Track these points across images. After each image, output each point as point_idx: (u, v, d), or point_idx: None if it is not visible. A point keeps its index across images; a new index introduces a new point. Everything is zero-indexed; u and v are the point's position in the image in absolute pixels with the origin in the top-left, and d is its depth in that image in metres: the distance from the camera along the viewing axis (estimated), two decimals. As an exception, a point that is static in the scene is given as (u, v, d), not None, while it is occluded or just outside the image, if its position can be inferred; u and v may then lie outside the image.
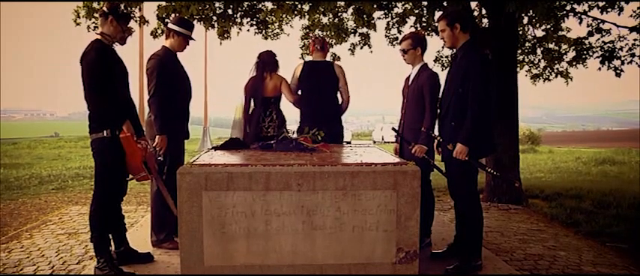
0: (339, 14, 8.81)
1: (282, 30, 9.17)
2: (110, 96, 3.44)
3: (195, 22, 6.91)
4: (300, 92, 5.01)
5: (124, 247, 3.78)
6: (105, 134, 3.42)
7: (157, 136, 3.96)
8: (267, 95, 4.87)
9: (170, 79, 4.06)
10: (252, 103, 4.93)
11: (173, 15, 7.24)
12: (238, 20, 8.17)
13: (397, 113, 4.42)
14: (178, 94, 4.18)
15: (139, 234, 4.68)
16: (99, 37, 3.52)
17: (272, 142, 4.20)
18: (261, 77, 4.86)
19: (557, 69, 9.28)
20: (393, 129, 4.32)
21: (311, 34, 8.73)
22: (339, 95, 5.02)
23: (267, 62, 4.89)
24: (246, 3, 7.98)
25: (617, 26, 7.61)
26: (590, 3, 7.57)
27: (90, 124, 3.49)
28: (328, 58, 5.66)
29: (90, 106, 3.45)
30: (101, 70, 3.38)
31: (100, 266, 3.50)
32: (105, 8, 3.56)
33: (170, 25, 4.21)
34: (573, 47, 8.47)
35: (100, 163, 3.49)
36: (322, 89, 4.92)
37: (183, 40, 4.19)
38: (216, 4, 7.72)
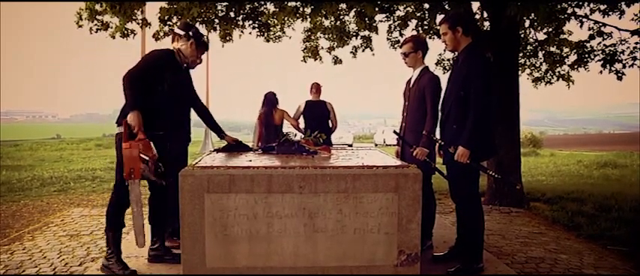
0: (341, 17, 8.83)
1: (284, 33, 9.19)
2: (142, 96, 3.50)
3: (197, 24, 6.93)
4: (302, 120, 7.08)
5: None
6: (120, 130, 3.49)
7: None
8: (276, 124, 6.93)
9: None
10: (263, 131, 6.89)
11: (175, 18, 7.28)
12: (240, 23, 8.19)
13: (399, 116, 4.43)
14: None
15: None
16: (174, 50, 3.76)
17: (274, 144, 4.22)
18: (271, 112, 7.01)
19: (559, 72, 9.29)
20: (395, 132, 4.34)
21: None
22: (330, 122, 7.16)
23: (272, 100, 7.10)
24: (248, 5, 8.00)
25: (619, 29, 7.62)
26: (591, 6, 7.58)
27: (118, 117, 3.58)
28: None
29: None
30: (148, 69, 3.55)
31: (107, 257, 3.58)
32: (190, 32, 3.80)
33: (176, 30, 4.17)
34: (575, 50, 8.48)
35: (117, 157, 3.54)
36: (318, 120, 6.96)
37: (200, 52, 4.14)
38: (219, 7, 7.75)
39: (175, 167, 3.47)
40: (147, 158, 3.40)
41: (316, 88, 7.21)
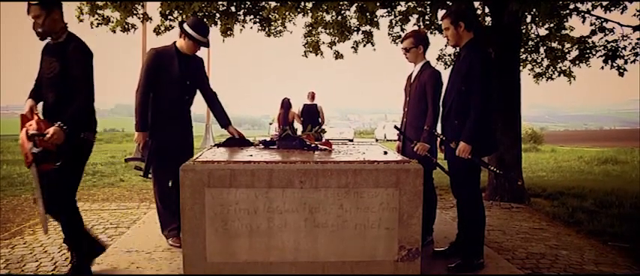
0: (343, 12, 8.80)
1: (285, 27, 9.16)
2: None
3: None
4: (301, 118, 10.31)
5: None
6: None
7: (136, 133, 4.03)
8: (289, 122, 10.15)
9: (164, 77, 4.04)
10: (280, 125, 9.72)
11: (176, 13, 7.25)
12: (241, 18, 8.17)
13: (400, 111, 4.42)
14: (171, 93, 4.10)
15: (142, 230, 4.70)
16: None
17: (275, 139, 4.22)
18: (286, 113, 10.37)
19: (560, 68, 9.24)
20: (395, 127, 4.32)
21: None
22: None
23: (288, 105, 10.48)
24: (249, 0, 7.98)
25: (621, 25, 7.59)
26: (593, 2, 7.55)
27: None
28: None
29: None
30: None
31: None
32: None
33: (184, 26, 4.08)
34: (576, 46, 8.45)
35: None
36: (311, 118, 9.91)
37: (194, 44, 4.09)
38: (220, 2, 7.73)
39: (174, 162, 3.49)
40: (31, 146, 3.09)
41: (312, 95, 10.51)
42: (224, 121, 4.38)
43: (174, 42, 4.14)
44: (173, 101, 4.10)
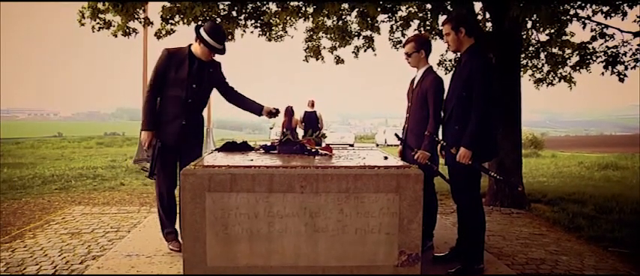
0: (343, 17, 8.83)
1: (286, 32, 9.19)
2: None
3: (199, 23, 6.92)
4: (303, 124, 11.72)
5: None
6: None
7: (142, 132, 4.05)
8: (292, 127, 11.28)
9: (171, 78, 4.01)
10: (283, 131, 8.75)
11: (178, 17, 7.26)
12: (242, 22, 8.19)
13: (400, 116, 4.41)
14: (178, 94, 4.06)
15: (142, 234, 4.70)
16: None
17: (276, 143, 4.22)
18: (290, 119, 11.55)
19: (561, 73, 9.26)
20: (396, 135, 4.31)
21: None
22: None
23: (291, 112, 11.67)
24: (251, 5, 8.00)
25: (621, 31, 7.60)
26: (593, 8, 7.57)
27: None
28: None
29: None
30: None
31: None
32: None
33: (200, 31, 4.02)
34: (577, 52, 8.46)
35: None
36: (312, 124, 11.33)
37: (208, 50, 4.02)
38: (221, 6, 7.75)
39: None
40: None
41: (311, 103, 12.08)
42: (257, 109, 4.39)
43: (190, 44, 4.10)
44: (176, 102, 4.03)
